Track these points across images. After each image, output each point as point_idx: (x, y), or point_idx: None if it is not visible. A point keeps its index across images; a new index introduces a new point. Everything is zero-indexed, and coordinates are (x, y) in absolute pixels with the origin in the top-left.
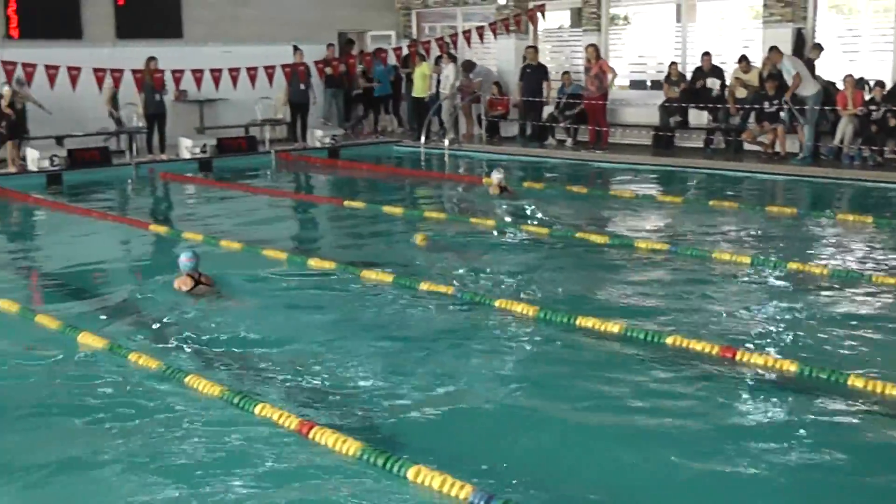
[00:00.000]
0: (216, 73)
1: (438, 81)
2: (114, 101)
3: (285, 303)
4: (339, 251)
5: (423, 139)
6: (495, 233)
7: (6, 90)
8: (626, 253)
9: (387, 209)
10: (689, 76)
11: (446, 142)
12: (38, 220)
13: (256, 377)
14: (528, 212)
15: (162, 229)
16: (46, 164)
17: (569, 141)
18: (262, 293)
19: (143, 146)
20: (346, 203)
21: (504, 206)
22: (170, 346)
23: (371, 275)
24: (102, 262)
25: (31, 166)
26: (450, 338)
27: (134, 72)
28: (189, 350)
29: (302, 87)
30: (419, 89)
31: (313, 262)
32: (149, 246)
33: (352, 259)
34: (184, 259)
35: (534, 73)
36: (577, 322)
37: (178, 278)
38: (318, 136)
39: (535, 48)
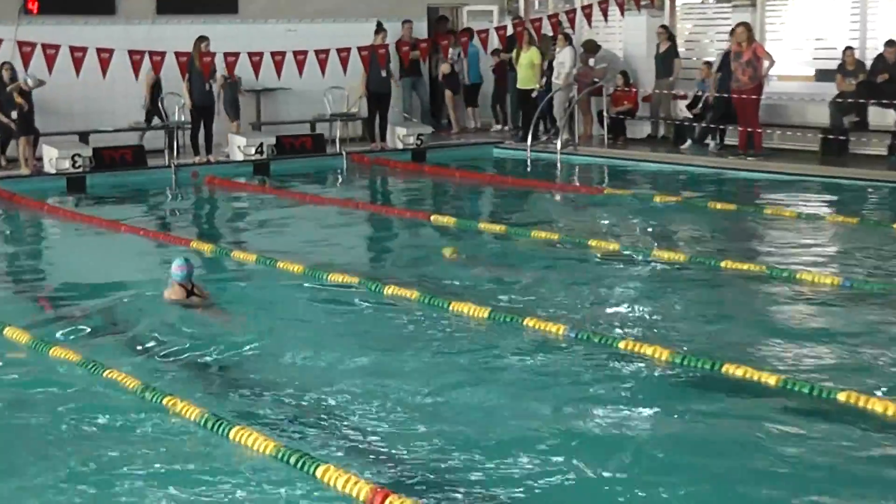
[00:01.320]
0: (278, 57)
1: (550, 69)
2: (154, 90)
3: (345, 333)
4: (423, 278)
5: (529, 140)
6: (621, 258)
7: (22, 79)
8: (784, 287)
9: (484, 226)
10: (868, 66)
11: (559, 143)
12: (53, 234)
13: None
14: (662, 233)
15: (206, 247)
16: (67, 164)
17: (712, 144)
18: (317, 321)
19: (186, 145)
20: (433, 218)
21: (632, 226)
22: (152, 363)
23: (462, 307)
24: (127, 285)
25: (49, 167)
26: (571, 387)
27: (178, 55)
28: (172, 368)
29: (383, 74)
30: (526, 79)
31: (390, 290)
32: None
33: (437, 289)
34: (175, 268)
35: (665, 58)
36: (723, 370)
37: (168, 289)
38: (400, 135)
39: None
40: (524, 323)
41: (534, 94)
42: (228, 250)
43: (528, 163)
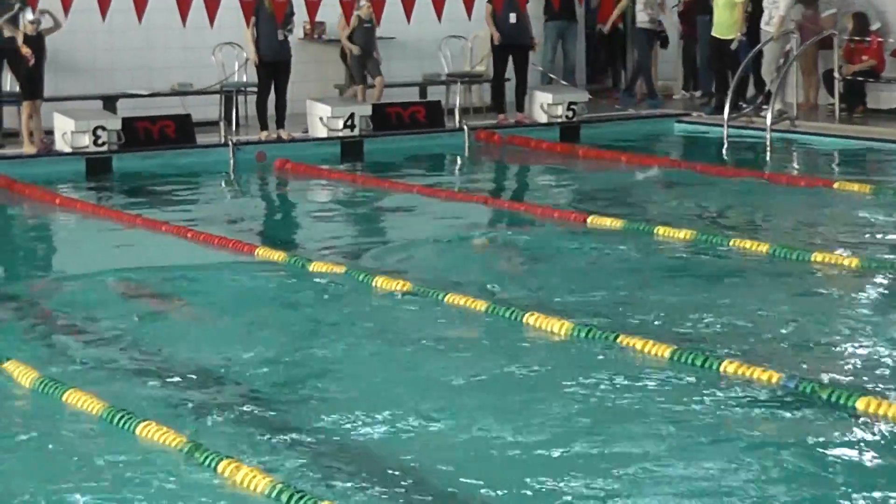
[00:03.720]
0: None
1: (758, 12)
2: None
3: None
4: (584, 305)
5: (727, 111)
6: (861, 278)
7: (29, 19)
8: None
9: (663, 231)
10: None
11: (768, 116)
12: (67, 235)
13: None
14: None
15: (276, 255)
16: (87, 141)
17: None
18: (440, 362)
19: (250, 116)
20: (590, 220)
21: (876, 235)
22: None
23: (637, 344)
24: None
25: (62, 145)
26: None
27: None
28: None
29: (513, 19)
30: (723, 24)
31: (532, 320)
32: (251, 280)
33: (613, 319)
34: None
35: None
36: None
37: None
38: (544, 103)
39: None
40: (725, 370)
41: (733, 46)
42: (306, 260)
43: (725, 142)
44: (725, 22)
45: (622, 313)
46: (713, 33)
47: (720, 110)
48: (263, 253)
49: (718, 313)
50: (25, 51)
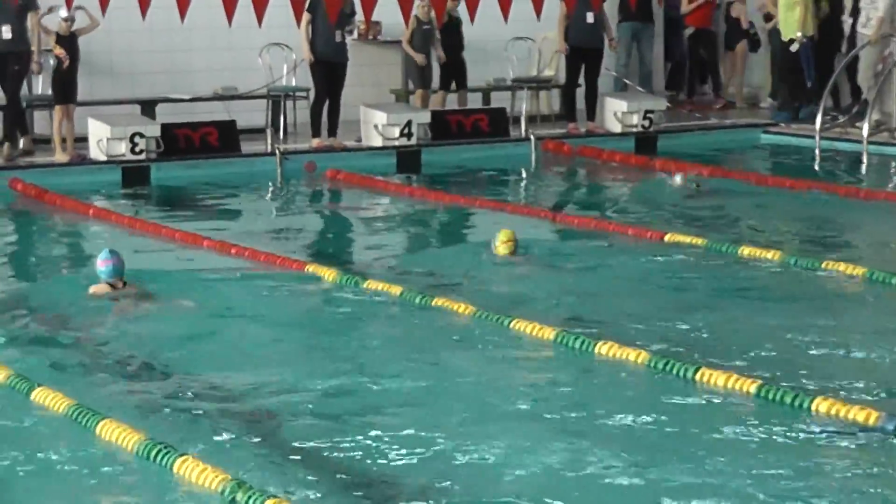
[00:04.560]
0: None
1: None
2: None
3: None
4: (661, 331)
5: (818, 121)
6: None
7: (63, 17)
8: None
9: (747, 251)
10: None
11: (865, 127)
12: (99, 247)
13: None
14: None
15: (327, 273)
16: (123, 148)
17: None
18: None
19: (301, 122)
20: (668, 238)
21: None
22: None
23: (720, 379)
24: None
25: (97, 153)
26: None
27: None
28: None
29: (590, 19)
30: (785, 25)
31: (605, 349)
32: (300, 300)
33: (685, 345)
34: (100, 263)
35: None
36: None
37: (94, 286)
38: (618, 111)
39: None
40: (817, 408)
41: (793, 48)
42: (359, 278)
43: (817, 155)
44: (785, 22)
45: (703, 342)
46: (783, 36)
47: (796, 117)
48: (313, 270)
49: (809, 342)
50: (59, 51)
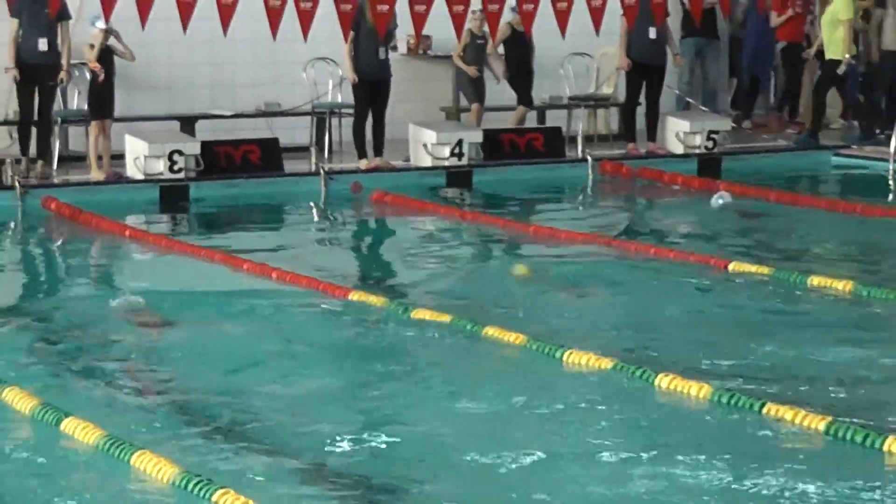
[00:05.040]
0: (493, 6)
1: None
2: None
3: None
4: (725, 363)
5: (893, 144)
6: None
7: (98, 28)
8: None
9: (818, 281)
10: None
11: None
12: (136, 269)
13: None
14: None
15: (374, 299)
16: (161, 167)
17: None
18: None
19: (346, 141)
20: (732, 267)
21: None
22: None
23: (787, 414)
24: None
25: (134, 171)
26: None
27: (337, 1)
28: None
29: (653, 34)
30: (827, 45)
31: (667, 381)
32: (344, 329)
33: (750, 379)
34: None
35: None
36: None
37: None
38: (680, 131)
39: None
40: (890, 448)
41: (840, 70)
42: (407, 306)
43: (891, 180)
44: (827, 41)
45: (769, 376)
46: (829, 56)
47: (870, 137)
48: (358, 297)
49: (882, 378)
50: (94, 65)
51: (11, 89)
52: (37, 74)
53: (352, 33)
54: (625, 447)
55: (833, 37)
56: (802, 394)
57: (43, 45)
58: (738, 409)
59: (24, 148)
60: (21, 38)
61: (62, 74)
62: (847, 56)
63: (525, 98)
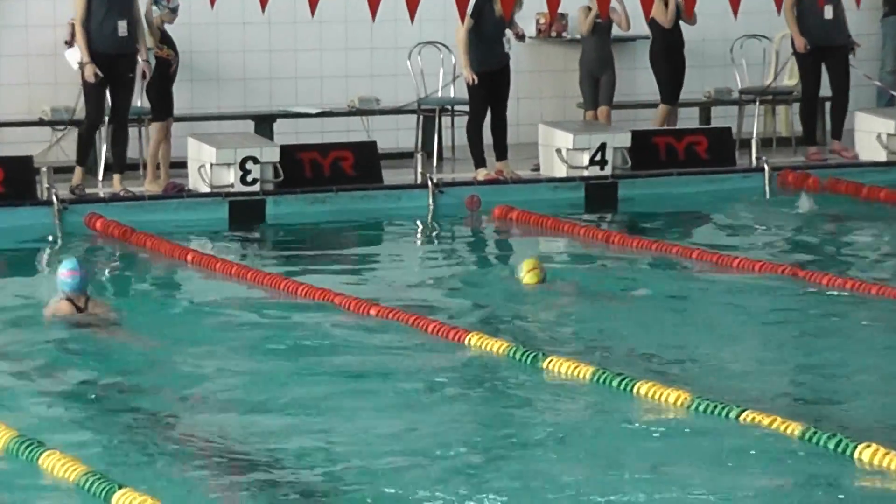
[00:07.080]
0: None
1: None
2: None
3: None
4: None
5: None
6: None
7: (169, 5)
8: None
9: None
10: None
11: None
12: (199, 302)
13: None
14: None
15: (495, 344)
16: (231, 177)
17: None
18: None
19: (459, 146)
20: None
21: None
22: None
23: None
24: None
25: (198, 182)
26: None
27: None
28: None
29: (829, 13)
30: None
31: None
32: (459, 379)
33: None
34: (64, 273)
35: None
36: None
37: (51, 303)
38: (880, 132)
39: None
40: None
41: None
42: (537, 354)
43: None
44: None
45: None
46: None
47: None
48: (478, 341)
49: None
50: (165, 52)
51: (55, 81)
52: (113, 66)
53: (471, 21)
54: None
55: None
56: None
57: (122, 28)
58: None
59: (84, 157)
60: (93, 21)
61: (142, 66)
62: None
63: (668, 94)
